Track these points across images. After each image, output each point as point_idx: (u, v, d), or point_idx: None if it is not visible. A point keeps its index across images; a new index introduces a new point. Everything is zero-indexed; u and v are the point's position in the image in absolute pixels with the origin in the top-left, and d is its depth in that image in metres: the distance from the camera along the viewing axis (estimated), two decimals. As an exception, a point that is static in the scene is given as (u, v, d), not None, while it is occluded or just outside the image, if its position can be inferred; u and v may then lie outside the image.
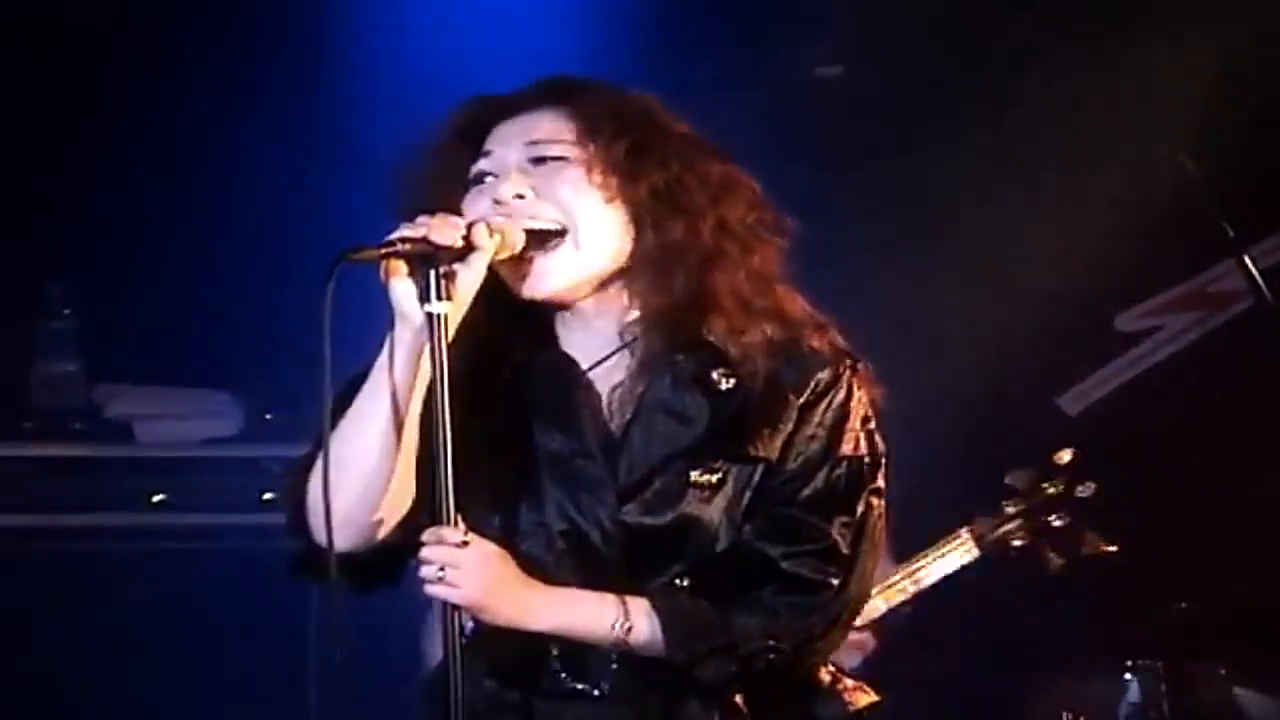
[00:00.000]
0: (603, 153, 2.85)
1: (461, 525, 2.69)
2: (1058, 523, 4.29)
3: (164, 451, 4.97)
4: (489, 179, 2.88)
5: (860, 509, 2.86)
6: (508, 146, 2.89)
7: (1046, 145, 5.35)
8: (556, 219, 2.82)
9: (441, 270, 2.68)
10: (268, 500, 4.88)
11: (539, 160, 2.86)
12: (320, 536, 2.75)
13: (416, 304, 2.69)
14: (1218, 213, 4.52)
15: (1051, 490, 4.31)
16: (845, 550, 2.83)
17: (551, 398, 2.89)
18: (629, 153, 2.85)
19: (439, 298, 2.67)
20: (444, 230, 2.69)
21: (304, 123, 5.42)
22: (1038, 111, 5.29)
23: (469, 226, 2.72)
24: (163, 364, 5.22)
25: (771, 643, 2.79)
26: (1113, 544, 4.31)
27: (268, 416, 5.07)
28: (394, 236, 2.68)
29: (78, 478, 4.89)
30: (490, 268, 2.74)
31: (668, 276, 2.85)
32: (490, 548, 2.74)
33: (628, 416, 2.87)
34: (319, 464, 2.73)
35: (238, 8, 5.32)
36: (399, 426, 2.74)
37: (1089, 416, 5.65)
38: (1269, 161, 5.11)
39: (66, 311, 5.06)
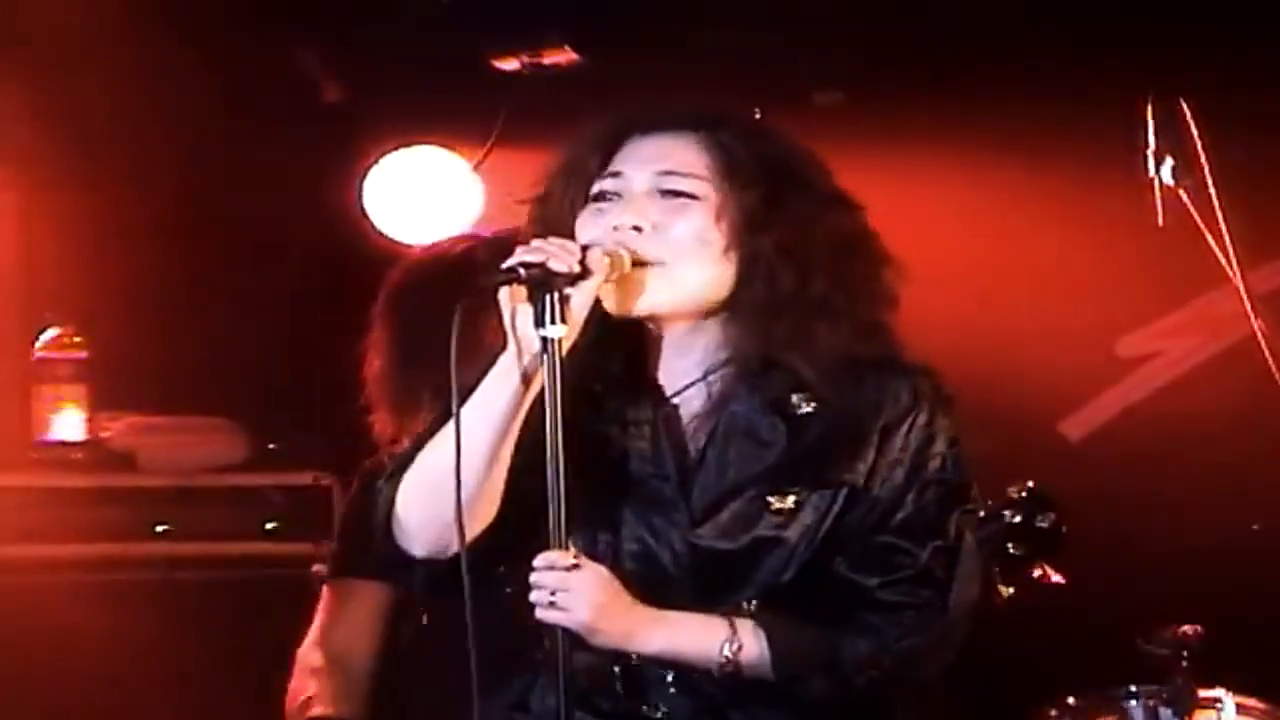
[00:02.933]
0: (734, 199, 2.84)
1: (571, 549, 2.73)
2: (1014, 552, 4.30)
3: (167, 480, 4.96)
4: (611, 199, 2.87)
5: (952, 531, 2.86)
6: (638, 170, 2.87)
7: (1044, 167, 5.37)
8: (665, 259, 2.82)
9: (557, 295, 2.71)
10: (270, 529, 4.89)
11: (667, 193, 2.85)
12: (403, 543, 2.83)
13: (532, 328, 2.72)
14: (1218, 237, 4.51)
15: (1011, 519, 4.31)
16: (940, 574, 2.83)
17: (633, 419, 2.90)
18: (760, 203, 2.84)
19: (553, 321, 2.71)
20: (561, 257, 2.72)
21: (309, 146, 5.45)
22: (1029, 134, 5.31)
23: (584, 251, 2.75)
24: (165, 392, 5.23)
25: (874, 663, 2.80)
26: (1063, 575, 4.32)
27: (271, 446, 5.07)
28: (514, 263, 2.71)
29: (79, 507, 4.89)
30: None
31: (768, 325, 2.85)
32: (600, 570, 2.77)
33: (704, 441, 2.87)
34: (411, 474, 2.80)
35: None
36: (498, 443, 2.77)
37: (1091, 442, 5.66)
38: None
39: (69, 339, 5.05)
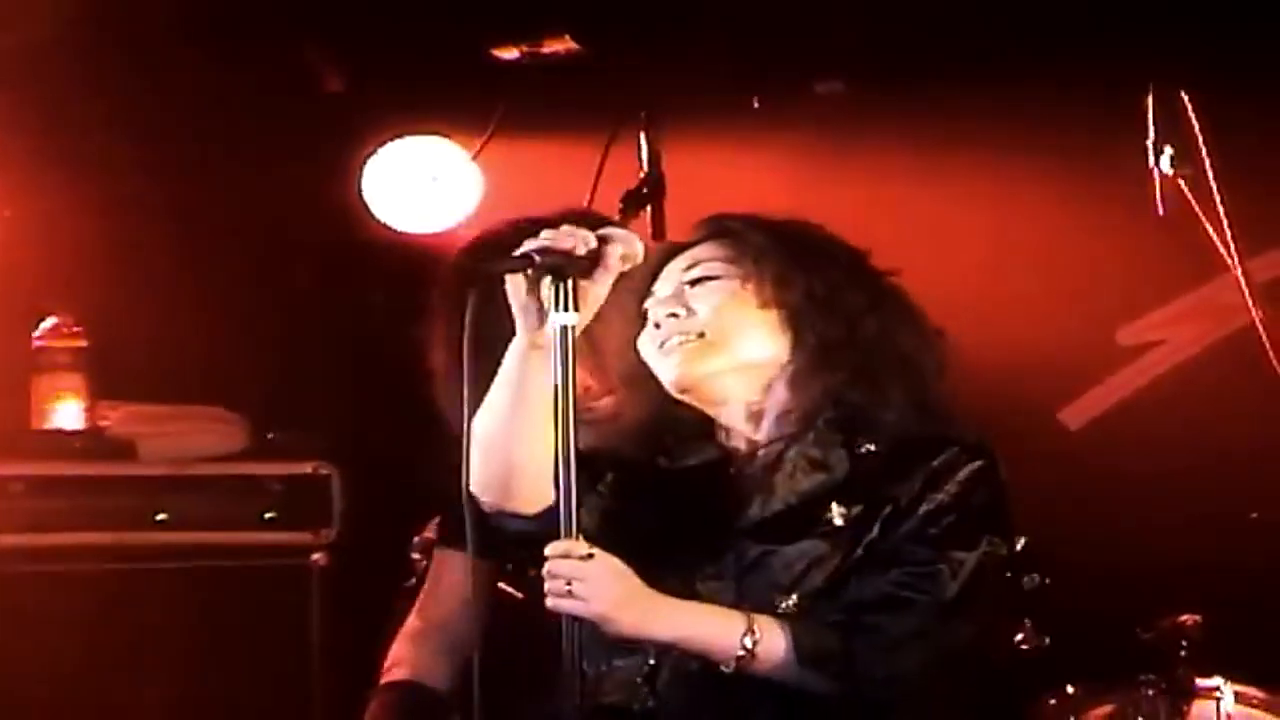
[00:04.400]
0: (754, 265, 3.03)
1: (583, 540, 2.79)
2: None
3: (166, 469, 4.96)
4: (652, 308, 3.07)
5: (979, 551, 2.94)
6: (668, 280, 3.11)
7: (1044, 157, 5.37)
8: (699, 329, 3.01)
9: (570, 284, 2.80)
10: (269, 519, 4.88)
11: (693, 283, 3.05)
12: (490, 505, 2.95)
13: (544, 314, 2.83)
14: (1218, 227, 4.51)
15: None
16: (956, 581, 2.90)
17: (703, 487, 3.04)
18: (781, 262, 3.02)
19: (566, 309, 2.80)
20: (579, 240, 2.84)
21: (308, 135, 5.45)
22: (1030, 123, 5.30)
23: (601, 241, 2.86)
24: (164, 381, 5.23)
25: (889, 667, 2.87)
26: (1049, 635, 4.33)
27: (270, 435, 5.07)
28: (531, 250, 2.82)
29: (78, 496, 4.89)
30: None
31: (831, 372, 2.99)
32: (613, 560, 2.83)
33: (768, 471, 3.00)
34: (472, 457, 2.90)
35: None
36: (531, 418, 2.88)
37: (1091, 430, 5.65)
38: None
39: (68, 329, 5.05)
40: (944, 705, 3.02)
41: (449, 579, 3.81)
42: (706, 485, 3.04)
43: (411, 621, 3.86)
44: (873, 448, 2.98)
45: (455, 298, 3.66)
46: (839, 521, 2.93)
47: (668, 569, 2.92)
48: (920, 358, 3.05)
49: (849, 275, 3.06)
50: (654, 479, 3.07)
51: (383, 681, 3.80)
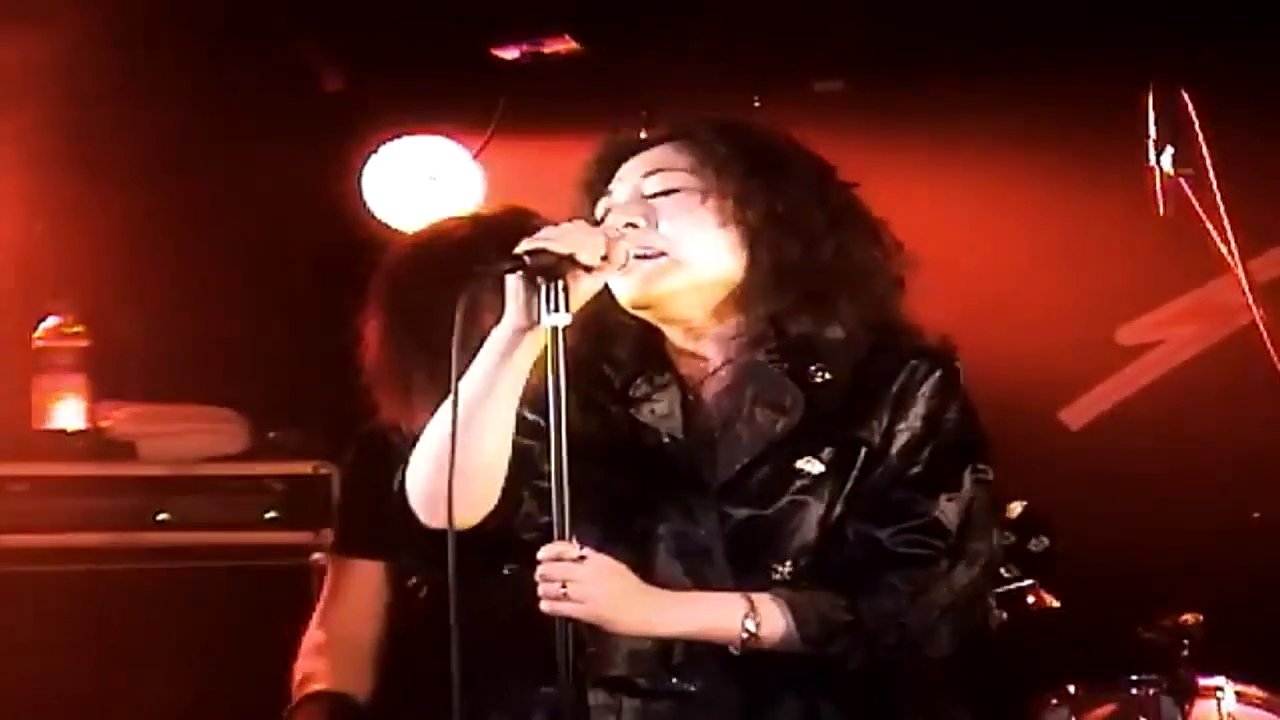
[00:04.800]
0: (716, 179, 2.93)
1: (575, 542, 2.75)
2: (1006, 575, 4.29)
3: (167, 469, 4.96)
4: (610, 214, 2.97)
5: (966, 484, 2.89)
6: (626, 182, 2.98)
7: (1044, 156, 5.37)
8: (661, 248, 2.90)
9: (562, 284, 2.75)
10: (270, 518, 4.88)
11: (654, 194, 2.95)
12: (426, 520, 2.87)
13: (533, 309, 2.77)
14: (1219, 226, 4.51)
15: (1004, 541, 4.30)
16: (951, 524, 2.86)
17: (656, 402, 2.96)
18: (744, 178, 2.93)
19: (558, 309, 2.75)
20: (589, 248, 2.79)
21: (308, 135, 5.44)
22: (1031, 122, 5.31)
23: (608, 242, 2.81)
24: (166, 381, 5.23)
25: (897, 619, 2.83)
26: (1058, 598, 4.31)
27: (271, 435, 5.07)
28: (535, 247, 2.76)
29: (80, 496, 4.89)
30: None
31: (779, 295, 2.91)
32: (607, 560, 2.79)
33: (726, 414, 2.92)
34: (416, 449, 2.85)
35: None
36: (495, 420, 2.82)
37: (1092, 430, 5.65)
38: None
39: (69, 329, 5.05)
40: (948, 684, 3.00)
41: (353, 589, 3.79)
42: (663, 431, 2.94)
43: (315, 634, 3.83)
44: (828, 375, 2.91)
45: (408, 293, 3.67)
46: (815, 470, 2.86)
47: (643, 539, 2.89)
48: (875, 274, 2.96)
49: (812, 192, 2.95)
50: (607, 418, 2.96)
51: (301, 694, 3.77)
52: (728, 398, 2.94)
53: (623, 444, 2.94)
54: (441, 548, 2.78)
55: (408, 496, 2.91)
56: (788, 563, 2.87)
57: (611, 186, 3.00)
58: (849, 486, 2.88)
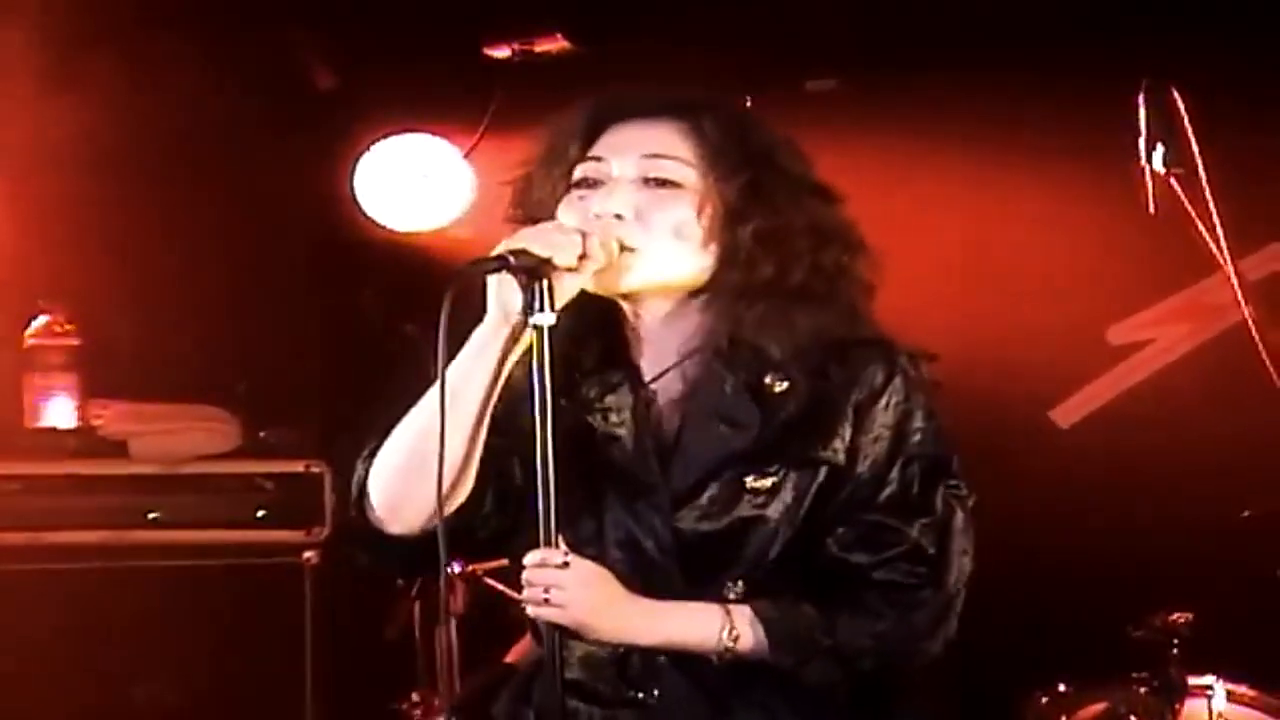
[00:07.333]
0: (717, 187, 2.85)
1: (563, 546, 2.73)
2: None
3: (158, 468, 4.96)
4: (593, 185, 2.88)
5: (940, 506, 2.84)
6: (621, 156, 2.88)
7: (1035, 154, 5.38)
8: (644, 247, 2.83)
9: (546, 284, 2.72)
10: (262, 517, 4.89)
11: (650, 181, 2.86)
12: (375, 522, 2.85)
13: (516, 307, 2.73)
14: (1209, 225, 4.52)
15: None
16: (931, 551, 2.82)
17: (611, 405, 2.91)
18: (742, 191, 2.85)
19: (542, 309, 2.72)
20: (566, 249, 2.73)
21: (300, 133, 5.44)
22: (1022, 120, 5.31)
23: (584, 240, 2.76)
24: (157, 380, 5.23)
25: (876, 644, 2.80)
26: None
27: (262, 434, 5.07)
28: (514, 249, 2.72)
29: (71, 494, 4.89)
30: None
31: (743, 309, 2.85)
32: (591, 566, 2.77)
33: (679, 424, 2.88)
34: (382, 451, 2.83)
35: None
36: (471, 421, 2.78)
37: (1082, 429, 5.66)
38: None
39: (60, 327, 5.05)
40: (931, 689, 2.99)
41: None
42: (618, 437, 2.88)
43: None
44: (786, 384, 2.83)
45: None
46: (767, 486, 2.80)
47: (597, 541, 2.85)
48: (845, 288, 2.88)
49: (801, 213, 2.86)
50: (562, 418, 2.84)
51: None
52: (683, 406, 2.88)
53: (580, 446, 2.87)
54: (412, 548, 2.80)
55: (367, 498, 2.87)
56: (740, 582, 2.83)
57: (599, 153, 2.88)
58: (809, 503, 2.82)
